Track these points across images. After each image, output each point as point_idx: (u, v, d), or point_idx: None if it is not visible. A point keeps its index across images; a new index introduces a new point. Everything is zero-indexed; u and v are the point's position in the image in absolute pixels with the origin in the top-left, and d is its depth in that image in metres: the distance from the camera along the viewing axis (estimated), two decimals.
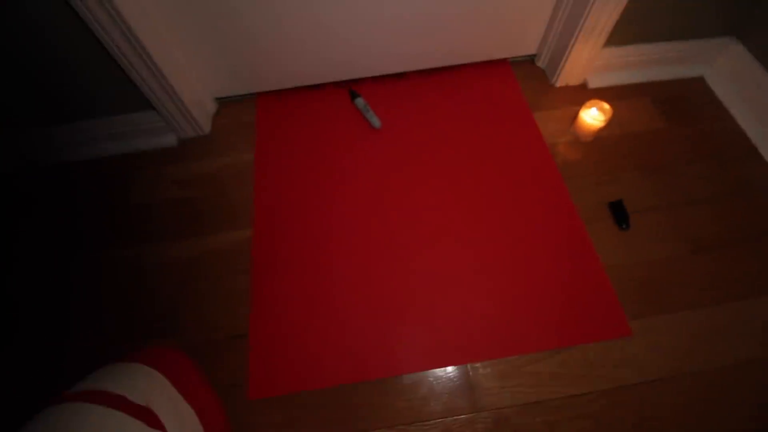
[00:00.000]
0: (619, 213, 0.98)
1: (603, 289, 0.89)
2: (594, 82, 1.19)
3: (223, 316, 0.89)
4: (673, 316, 0.87)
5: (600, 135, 1.10)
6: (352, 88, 1.20)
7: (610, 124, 1.06)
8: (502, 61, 1.26)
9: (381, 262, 0.93)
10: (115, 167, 1.10)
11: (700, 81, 1.22)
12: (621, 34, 1.08)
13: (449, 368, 0.82)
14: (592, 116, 1.04)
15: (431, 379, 0.82)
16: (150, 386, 0.44)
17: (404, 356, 0.83)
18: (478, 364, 0.82)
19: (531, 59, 1.26)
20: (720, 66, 1.20)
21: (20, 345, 0.88)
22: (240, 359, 0.84)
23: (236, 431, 0.76)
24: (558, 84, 1.20)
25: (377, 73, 1.20)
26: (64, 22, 0.82)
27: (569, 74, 1.17)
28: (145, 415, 0.40)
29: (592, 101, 1.05)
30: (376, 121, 1.13)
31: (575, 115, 1.11)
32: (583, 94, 1.18)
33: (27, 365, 0.85)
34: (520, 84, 1.21)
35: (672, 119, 1.14)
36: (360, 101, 1.16)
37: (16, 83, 0.93)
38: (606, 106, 1.03)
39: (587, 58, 1.12)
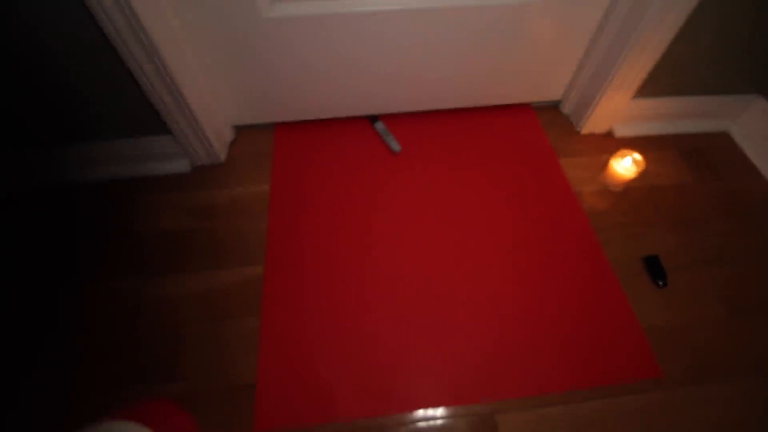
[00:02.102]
0: (655, 269, 0.93)
1: (633, 331, 0.85)
2: (621, 131, 1.18)
3: (228, 363, 0.80)
4: (719, 386, 0.80)
5: (629, 186, 1.07)
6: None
7: (639, 175, 1.03)
8: (525, 106, 1.25)
9: (399, 297, 0.89)
10: (121, 191, 1.04)
11: (725, 136, 1.21)
12: (650, 87, 1.08)
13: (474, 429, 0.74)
14: (625, 166, 1.01)
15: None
16: None
17: (422, 392, 0.78)
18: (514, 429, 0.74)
19: (555, 105, 1.26)
20: (745, 122, 1.20)
21: None
22: (246, 413, 0.75)
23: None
24: (584, 131, 1.18)
25: (399, 110, 1.18)
26: (84, 37, 0.78)
27: (596, 122, 1.15)
28: None
29: (624, 151, 1.03)
30: (395, 145, 1.11)
31: (603, 164, 1.09)
32: (609, 143, 1.16)
33: None
34: (544, 129, 1.20)
35: (700, 173, 1.12)
36: (380, 125, 1.15)
37: (26, 99, 0.89)
38: (639, 157, 1.01)
39: (615, 109, 1.11)
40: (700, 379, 0.81)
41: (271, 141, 1.15)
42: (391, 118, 1.19)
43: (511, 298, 0.89)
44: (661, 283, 0.91)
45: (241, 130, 1.17)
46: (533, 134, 1.18)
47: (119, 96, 0.91)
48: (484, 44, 1.01)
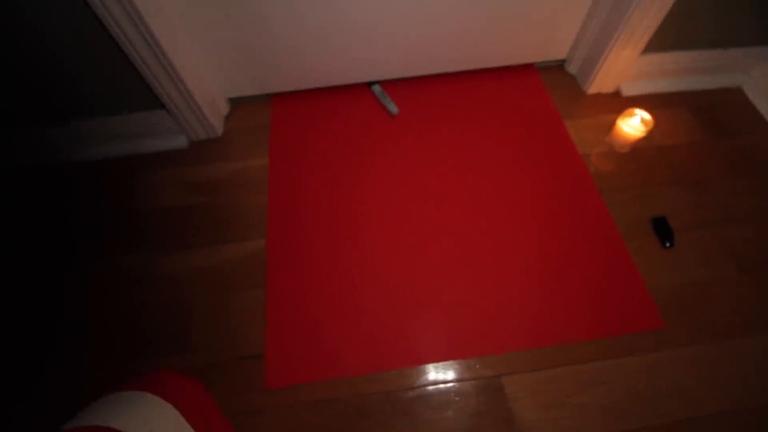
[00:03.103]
0: (662, 230, 0.91)
1: (636, 285, 0.86)
2: (628, 90, 1.14)
3: (236, 335, 0.81)
4: (723, 345, 0.80)
5: (637, 146, 1.04)
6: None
7: (648, 134, 1.00)
8: (529, 66, 1.21)
9: (401, 255, 0.90)
10: (120, 170, 1.03)
11: (737, 91, 1.17)
12: (659, 41, 1.03)
13: (484, 396, 0.75)
14: (633, 126, 0.98)
15: (462, 402, 0.74)
16: (157, 419, 0.39)
17: (427, 346, 0.80)
18: (519, 394, 0.75)
19: (560, 65, 1.22)
20: (758, 76, 1.15)
21: (4, 368, 0.80)
22: (255, 382, 0.77)
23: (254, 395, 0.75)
24: (590, 91, 1.14)
25: (399, 76, 1.15)
26: (71, 11, 0.76)
27: (603, 81, 1.12)
28: None
29: (631, 110, 0.99)
30: (393, 108, 1.09)
31: (609, 124, 1.06)
32: (616, 102, 1.13)
33: (14, 392, 0.78)
34: (548, 90, 1.16)
35: (710, 131, 1.09)
36: (377, 87, 1.13)
37: (18, 79, 0.87)
38: (647, 116, 0.98)
39: (623, 65, 1.07)
40: (707, 338, 0.80)
41: (267, 112, 1.13)
42: (389, 84, 1.16)
43: (514, 257, 0.89)
44: (668, 244, 0.90)
45: (236, 103, 1.14)
46: (537, 95, 1.15)
47: (107, 70, 0.88)
48: (483, 1, 0.97)
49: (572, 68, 1.18)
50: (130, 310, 0.85)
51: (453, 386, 0.76)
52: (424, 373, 0.78)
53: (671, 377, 0.77)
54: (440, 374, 0.77)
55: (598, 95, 1.15)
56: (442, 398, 0.75)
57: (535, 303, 0.84)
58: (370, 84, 1.14)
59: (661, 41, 1.04)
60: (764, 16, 1.02)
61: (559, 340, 0.80)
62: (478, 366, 0.78)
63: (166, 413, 0.40)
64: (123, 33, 0.79)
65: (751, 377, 0.77)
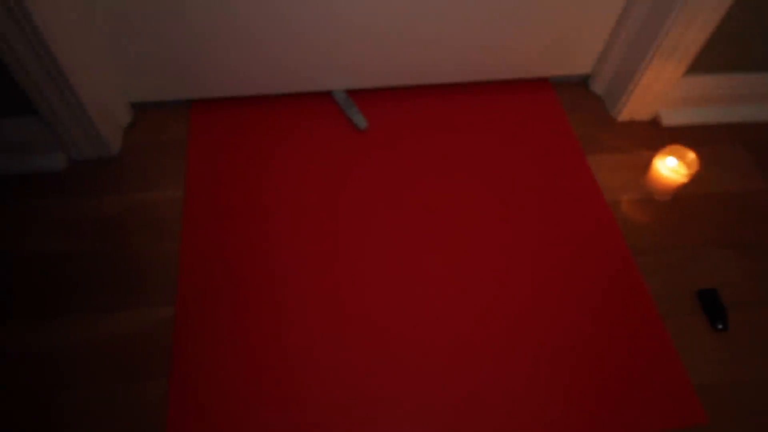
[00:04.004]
0: (712, 307, 0.95)
1: (680, 386, 0.88)
2: (669, 119, 1.20)
3: None
4: None
5: (680, 193, 1.10)
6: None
7: (694, 178, 1.06)
8: (543, 82, 1.26)
9: (364, 329, 0.91)
10: None
11: None
12: (709, 59, 1.10)
13: None
14: (673, 168, 1.03)
15: None
16: None
17: None
18: None
19: (583, 81, 1.28)
20: None
21: None
22: None
23: None
24: (620, 118, 1.20)
25: (371, 85, 1.18)
26: None
27: (637, 106, 1.17)
28: None
29: (674, 147, 1.05)
30: (361, 121, 1.13)
31: (645, 163, 1.11)
32: (655, 134, 1.19)
33: None
34: (567, 114, 1.21)
35: None
36: (341, 95, 1.16)
37: None
38: (691, 154, 1.03)
39: (663, 87, 1.13)
40: None
41: (185, 125, 1.13)
42: (357, 95, 1.19)
43: (516, 336, 0.90)
44: (720, 326, 0.93)
45: (142, 110, 1.14)
46: (552, 120, 1.19)
47: None
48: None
49: (598, 87, 1.25)
50: None
51: None
52: None
53: None
54: None
55: (632, 123, 1.21)
56: None
57: (541, 400, 0.85)
58: (331, 91, 1.16)
59: (713, 60, 1.11)
60: None
61: None
62: None
63: None
64: None
65: None
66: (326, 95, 1.19)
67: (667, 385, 0.88)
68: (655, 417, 0.85)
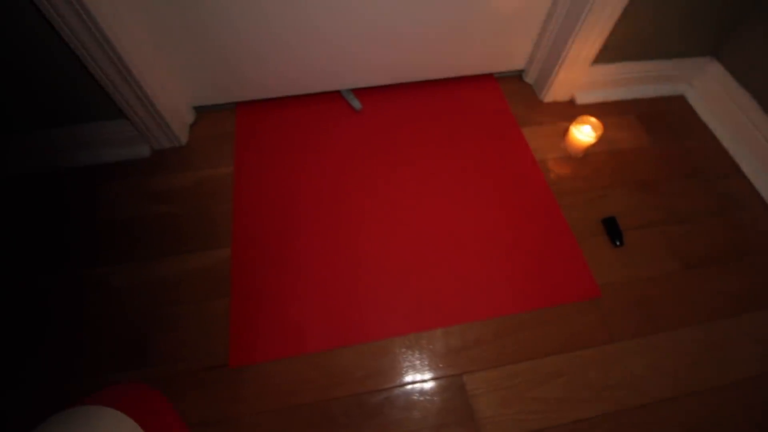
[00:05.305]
0: (612, 230, 0.97)
1: (583, 273, 0.93)
2: (582, 99, 1.21)
3: (200, 345, 0.82)
4: (670, 335, 0.86)
5: (590, 151, 1.11)
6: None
7: (599, 140, 1.06)
8: (488, 76, 1.26)
9: (367, 246, 0.95)
10: (82, 180, 1.02)
11: (681, 99, 1.26)
12: (608, 53, 1.11)
13: (448, 394, 0.78)
14: (585, 132, 1.04)
15: (426, 403, 0.77)
16: None
17: (388, 323, 0.85)
18: (478, 390, 0.78)
19: (518, 75, 1.27)
20: (700, 85, 1.24)
21: None
22: (220, 392, 0.77)
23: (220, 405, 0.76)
24: (546, 100, 1.21)
25: (363, 85, 1.18)
26: (25, 19, 0.75)
27: (557, 90, 1.18)
28: None
29: (583, 117, 1.06)
30: (357, 104, 1.16)
31: (564, 131, 1.12)
32: (571, 110, 1.20)
33: None
34: (507, 99, 1.22)
35: (656, 137, 1.17)
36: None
37: None
38: (598, 122, 1.04)
39: (576, 75, 1.13)
40: (653, 330, 0.86)
41: (233, 121, 1.14)
42: (355, 92, 1.19)
43: (471, 256, 0.94)
44: (618, 243, 0.96)
45: (202, 111, 1.15)
46: (496, 104, 1.20)
47: (68, 79, 0.87)
48: (445, 15, 1.01)
49: (530, 78, 1.25)
50: (92, 322, 0.83)
51: (418, 387, 0.79)
52: (390, 359, 0.80)
53: (622, 368, 0.82)
54: (406, 371, 0.80)
55: (554, 103, 1.22)
56: (408, 399, 0.78)
57: (492, 281, 0.91)
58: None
59: (611, 53, 1.12)
60: (703, 30, 1.11)
61: (515, 309, 0.88)
62: (441, 365, 0.81)
63: (125, 427, 0.40)
64: (77, 39, 0.78)
65: (692, 364, 0.83)
66: (332, 95, 1.19)
67: (578, 280, 0.92)
68: (568, 293, 0.90)
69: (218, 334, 0.83)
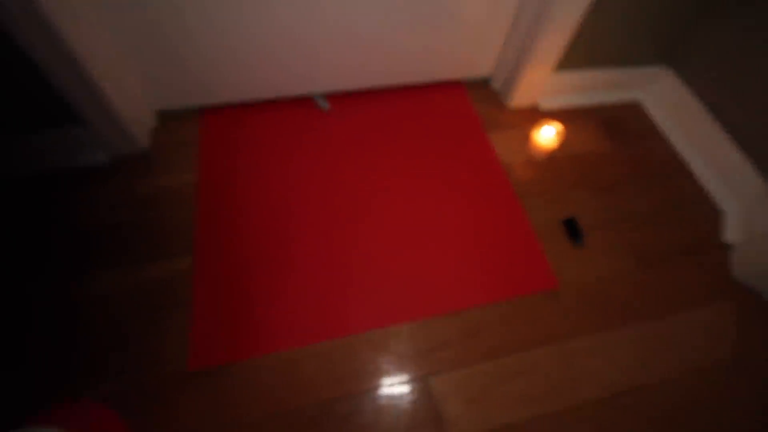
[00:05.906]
0: (573, 230, 1.01)
1: (542, 268, 0.97)
2: (545, 104, 1.25)
3: (159, 357, 0.80)
4: (627, 330, 0.90)
5: (553, 155, 1.15)
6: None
7: (561, 144, 1.10)
8: (457, 83, 1.29)
9: (332, 242, 0.96)
10: (36, 188, 0.98)
11: (637, 105, 1.32)
12: (569, 60, 1.15)
13: (410, 395, 0.79)
14: (547, 137, 1.08)
15: (393, 403, 0.78)
16: None
17: (360, 315, 0.87)
18: (445, 391, 0.80)
19: (485, 81, 1.31)
20: (654, 91, 1.31)
21: None
22: (179, 405, 0.75)
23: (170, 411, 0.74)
24: (511, 106, 1.24)
25: (330, 89, 1.18)
26: None
27: (522, 96, 1.22)
28: None
29: (545, 121, 1.09)
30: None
31: (528, 136, 1.15)
32: (536, 116, 1.23)
33: None
34: (474, 105, 1.24)
35: (615, 141, 1.22)
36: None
37: None
38: (559, 127, 1.08)
39: (539, 82, 1.17)
40: (610, 325, 0.90)
41: (196, 124, 1.11)
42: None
43: (435, 253, 0.96)
44: (578, 242, 1.00)
45: (166, 116, 1.12)
46: (463, 109, 1.22)
47: (11, 82, 0.83)
48: (414, 20, 1.03)
49: (496, 85, 1.28)
50: (50, 335, 0.80)
51: (385, 391, 0.79)
52: (356, 361, 0.80)
53: (581, 362, 0.85)
54: (372, 376, 0.80)
55: (519, 110, 1.25)
56: (375, 404, 0.78)
57: (456, 277, 0.94)
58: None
59: (572, 61, 1.16)
60: (657, 40, 1.17)
61: (475, 303, 0.91)
62: (408, 367, 0.82)
63: None
64: (29, 40, 0.75)
65: (648, 357, 0.87)
66: (296, 105, 1.19)
67: (536, 273, 0.96)
68: (527, 286, 0.94)
69: (179, 343, 0.81)
